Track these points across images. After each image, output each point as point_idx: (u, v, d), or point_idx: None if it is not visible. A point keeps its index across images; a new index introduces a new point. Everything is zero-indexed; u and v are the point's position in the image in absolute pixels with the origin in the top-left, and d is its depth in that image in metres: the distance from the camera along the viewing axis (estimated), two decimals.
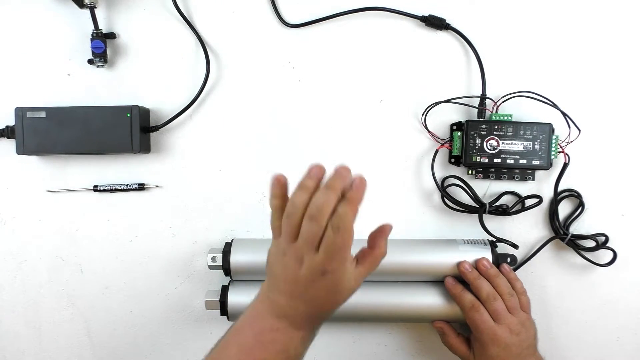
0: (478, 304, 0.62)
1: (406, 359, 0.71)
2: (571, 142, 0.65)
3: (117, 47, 0.69)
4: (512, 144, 0.64)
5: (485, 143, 0.64)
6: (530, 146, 0.64)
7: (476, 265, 0.63)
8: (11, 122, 0.66)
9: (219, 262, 0.65)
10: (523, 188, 0.68)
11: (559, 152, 0.66)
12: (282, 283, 0.49)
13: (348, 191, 0.45)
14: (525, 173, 0.65)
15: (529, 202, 0.67)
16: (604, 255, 0.67)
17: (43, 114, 0.65)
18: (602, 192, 0.65)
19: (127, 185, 0.69)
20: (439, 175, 0.68)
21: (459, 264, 0.63)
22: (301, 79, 0.69)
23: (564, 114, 0.65)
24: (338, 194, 0.45)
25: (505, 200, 0.68)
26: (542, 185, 0.68)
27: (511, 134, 0.64)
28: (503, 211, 0.67)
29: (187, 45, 0.69)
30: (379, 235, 0.51)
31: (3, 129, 0.67)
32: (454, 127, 0.67)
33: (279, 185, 0.48)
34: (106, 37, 0.67)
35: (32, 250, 0.70)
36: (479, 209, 0.66)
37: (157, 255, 0.70)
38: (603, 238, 0.68)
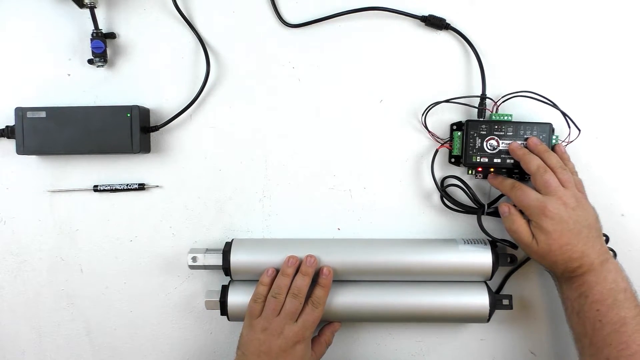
0: (519, 183, 0.61)
1: (406, 359, 0.71)
2: (571, 142, 0.65)
3: (117, 47, 0.69)
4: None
5: (485, 143, 0.64)
6: None
7: (526, 143, 0.63)
8: (11, 122, 0.66)
9: (200, 262, 0.65)
10: None
11: None
12: (255, 357, 0.59)
13: (320, 278, 0.62)
14: (525, 173, 0.65)
15: None
16: None
17: (43, 114, 0.65)
18: (602, 192, 0.65)
19: (127, 185, 0.69)
20: (439, 175, 0.68)
21: (509, 144, 0.63)
22: (301, 79, 0.69)
23: (564, 114, 0.65)
24: (311, 277, 0.61)
25: (506, 200, 0.68)
26: None
27: (511, 134, 0.64)
28: None
29: (187, 45, 0.69)
30: (328, 329, 0.66)
31: (3, 129, 0.67)
32: (454, 127, 0.67)
33: (269, 276, 0.62)
34: (106, 37, 0.67)
35: (32, 250, 0.70)
36: (478, 209, 0.66)
37: (157, 255, 0.70)
38: (603, 238, 0.67)
